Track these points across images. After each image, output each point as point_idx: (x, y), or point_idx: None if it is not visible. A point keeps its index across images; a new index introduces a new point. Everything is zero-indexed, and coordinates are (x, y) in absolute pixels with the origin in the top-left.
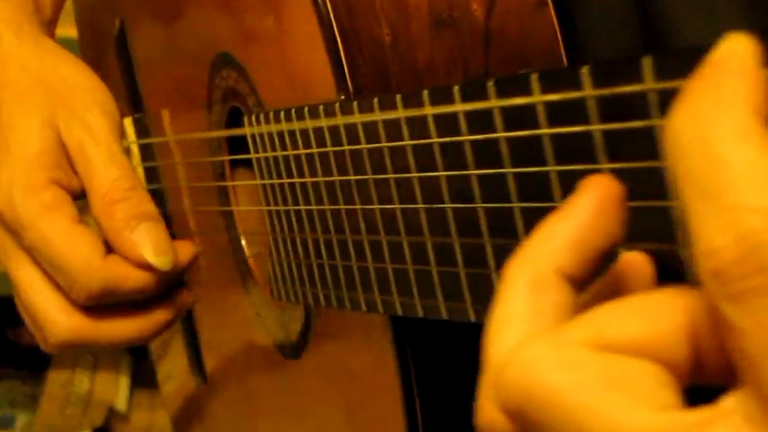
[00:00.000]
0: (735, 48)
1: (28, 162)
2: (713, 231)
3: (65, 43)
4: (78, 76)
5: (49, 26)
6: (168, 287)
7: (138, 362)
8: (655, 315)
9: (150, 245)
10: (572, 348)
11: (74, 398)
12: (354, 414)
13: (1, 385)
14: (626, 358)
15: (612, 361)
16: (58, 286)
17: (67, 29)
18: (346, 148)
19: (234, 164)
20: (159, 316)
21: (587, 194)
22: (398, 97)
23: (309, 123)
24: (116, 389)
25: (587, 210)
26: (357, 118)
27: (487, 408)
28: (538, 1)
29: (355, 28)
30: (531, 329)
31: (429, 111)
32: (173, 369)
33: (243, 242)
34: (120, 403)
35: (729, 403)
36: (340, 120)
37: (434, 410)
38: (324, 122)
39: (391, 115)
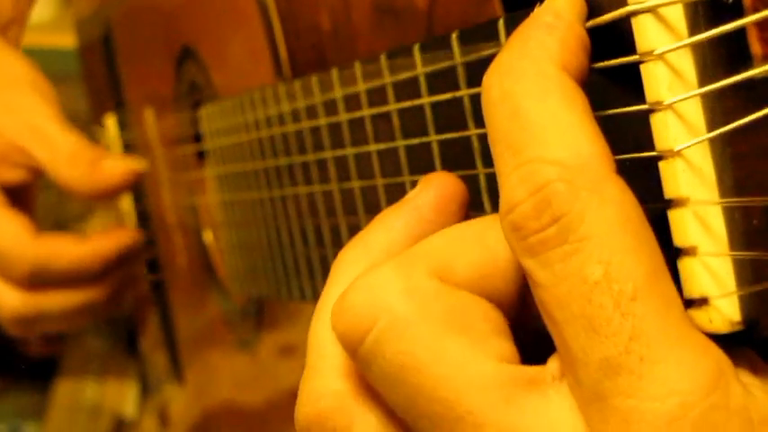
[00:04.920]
0: (552, 2)
1: None
2: (512, 185)
3: (63, 54)
4: (16, 70)
5: (7, 26)
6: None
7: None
8: (494, 245)
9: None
10: (420, 277)
11: (82, 406)
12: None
13: (8, 396)
14: (468, 297)
15: (457, 298)
16: None
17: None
18: (267, 133)
19: (202, 157)
20: (107, 285)
21: (429, 190)
22: (334, 71)
23: (248, 110)
24: (125, 395)
25: (427, 205)
26: (285, 106)
27: (309, 403)
28: None
29: (294, 14)
30: None
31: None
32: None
33: (204, 237)
34: (130, 410)
35: (555, 367)
36: (271, 104)
37: None
38: (259, 108)
39: (310, 101)
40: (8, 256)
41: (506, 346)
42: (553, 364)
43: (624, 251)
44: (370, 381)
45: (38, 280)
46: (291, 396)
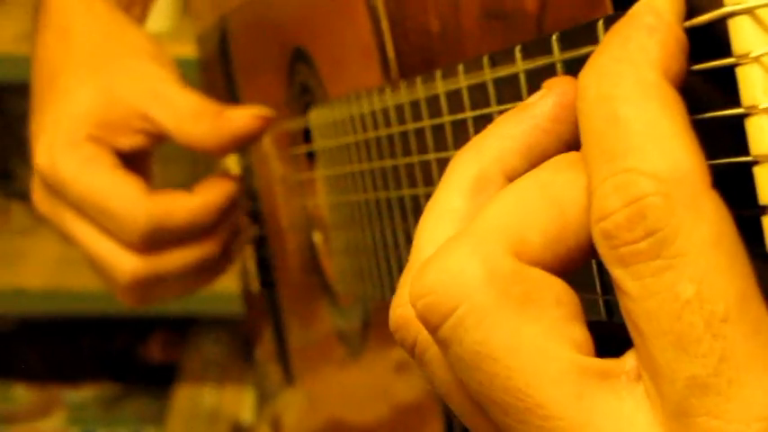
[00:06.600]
0: (652, 1)
1: (70, 122)
2: (606, 192)
3: (182, 64)
4: (136, 40)
5: (130, 5)
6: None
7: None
8: (560, 198)
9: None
10: (498, 258)
11: (201, 412)
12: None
13: (129, 401)
14: (543, 279)
15: (533, 280)
16: (112, 234)
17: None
18: (373, 133)
19: (312, 158)
20: (219, 237)
21: (549, 97)
22: (438, 73)
23: (354, 110)
24: (243, 401)
25: (545, 114)
26: (389, 100)
27: (403, 305)
28: None
29: (403, 16)
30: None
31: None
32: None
33: (314, 238)
34: (247, 416)
35: (632, 368)
36: (377, 104)
37: None
38: (365, 108)
39: (432, 91)
40: (124, 216)
41: (580, 333)
42: (630, 363)
43: (717, 271)
44: (448, 360)
45: (156, 239)
46: (400, 413)
